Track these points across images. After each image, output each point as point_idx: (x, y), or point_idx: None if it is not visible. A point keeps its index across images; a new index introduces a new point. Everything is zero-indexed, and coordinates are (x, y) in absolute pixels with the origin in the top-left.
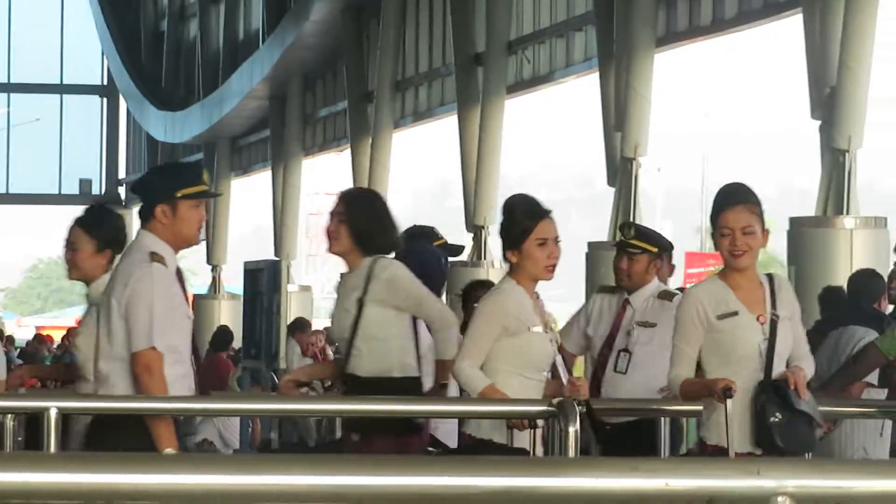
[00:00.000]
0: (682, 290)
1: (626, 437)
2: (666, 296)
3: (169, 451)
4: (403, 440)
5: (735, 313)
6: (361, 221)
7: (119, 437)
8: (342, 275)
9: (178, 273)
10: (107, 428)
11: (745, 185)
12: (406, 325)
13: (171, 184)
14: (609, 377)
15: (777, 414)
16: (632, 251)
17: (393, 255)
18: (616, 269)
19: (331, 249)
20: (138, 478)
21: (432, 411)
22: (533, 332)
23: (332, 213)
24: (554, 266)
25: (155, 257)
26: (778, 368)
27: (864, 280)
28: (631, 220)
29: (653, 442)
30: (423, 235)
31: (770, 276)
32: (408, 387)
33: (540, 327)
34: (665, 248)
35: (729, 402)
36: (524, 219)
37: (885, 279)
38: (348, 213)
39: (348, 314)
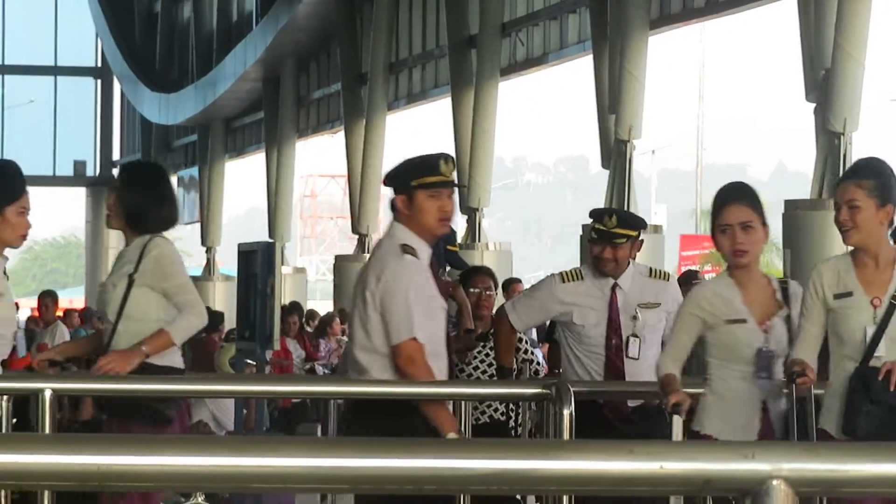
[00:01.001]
0: (694, 272)
1: (643, 419)
2: (660, 275)
3: (452, 435)
4: (158, 429)
5: (850, 293)
6: (134, 196)
7: (373, 423)
8: (121, 251)
9: (432, 264)
10: (360, 414)
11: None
12: (169, 312)
13: (408, 174)
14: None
15: (867, 403)
16: (617, 241)
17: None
18: (598, 258)
19: (109, 224)
20: (130, 460)
21: (437, 393)
22: (730, 324)
23: (112, 187)
24: (741, 251)
25: (406, 249)
26: (893, 351)
27: None
28: (625, 203)
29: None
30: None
31: None
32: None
33: (749, 320)
34: (643, 227)
35: (804, 387)
36: (712, 208)
37: None
38: (122, 187)
39: (117, 291)
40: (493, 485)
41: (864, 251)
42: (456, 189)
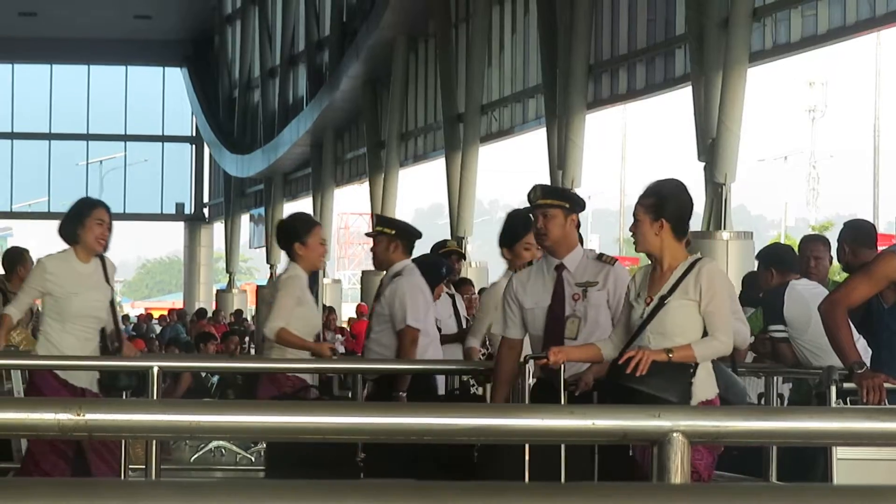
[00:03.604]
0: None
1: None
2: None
3: None
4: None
5: (638, 294)
6: None
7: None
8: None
9: (558, 267)
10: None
11: None
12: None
13: None
14: (366, 343)
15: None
16: (373, 235)
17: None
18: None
19: None
20: (215, 418)
21: (425, 370)
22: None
23: None
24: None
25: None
26: (659, 344)
27: (753, 277)
28: None
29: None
30: (439, 246)
31: (692, 264)
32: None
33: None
34: (402, 230)
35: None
36: None
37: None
38: None
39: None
40: (473, 436)
41: (660, 262)
42: (553, 209)
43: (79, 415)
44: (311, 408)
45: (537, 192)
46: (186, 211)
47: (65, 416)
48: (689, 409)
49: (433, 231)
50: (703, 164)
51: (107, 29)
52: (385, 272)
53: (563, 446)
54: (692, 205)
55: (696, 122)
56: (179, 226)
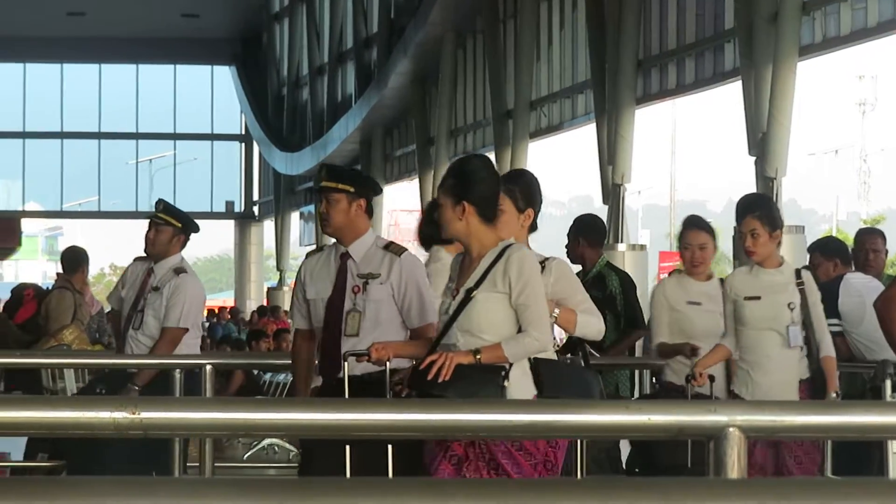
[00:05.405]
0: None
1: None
2: (180, 271)
3: None
4: None
5: (448, 287)
6: None
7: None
8: None
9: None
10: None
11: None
12: None
13: None
14: (131, 334)
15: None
16: (158, 223)
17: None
18: (146, 239)
19: None
20: (266, 415)
21: None
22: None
23: None
24: (697, 264)
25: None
26: (467, 343)
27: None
28: (619, 230)
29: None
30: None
31: (502, 251)
32: None
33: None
34: (188, 225)
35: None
36: (680, 231)
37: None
38: None
39: None
40: (528, 432)
41: (473, 252)
42: (335, 194)
43: (134, 413)
44: (365, 405)
45: (321, 174)
46: (236, 209)
47: (120, 415)
48: (745, 404)
49: None
50: (754, 158)
51: (155, 28)
52: (158, 262)
53: (389, 445)
54: (498, 184)
55: (746, 117)
56: (230, 224)
